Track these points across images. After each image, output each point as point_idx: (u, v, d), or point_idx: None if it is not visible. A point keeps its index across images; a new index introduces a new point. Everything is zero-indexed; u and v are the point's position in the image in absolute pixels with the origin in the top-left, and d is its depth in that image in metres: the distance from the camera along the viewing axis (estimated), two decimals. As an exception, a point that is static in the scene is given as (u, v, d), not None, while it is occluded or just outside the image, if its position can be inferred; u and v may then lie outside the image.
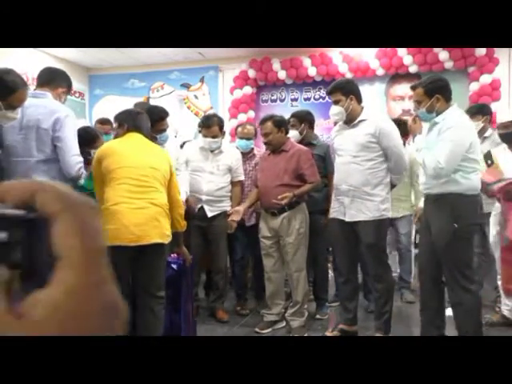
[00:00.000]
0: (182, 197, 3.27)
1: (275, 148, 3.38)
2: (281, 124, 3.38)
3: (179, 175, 3.41)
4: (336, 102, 3.07)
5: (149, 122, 2.80)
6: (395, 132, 3.07)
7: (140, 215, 2.39)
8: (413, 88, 2.82)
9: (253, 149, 4.02)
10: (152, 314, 2.52)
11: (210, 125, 3.56)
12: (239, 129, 4.04)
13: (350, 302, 3.26)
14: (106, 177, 2.50)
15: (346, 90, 3.07)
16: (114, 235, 2.34)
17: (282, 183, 3.27)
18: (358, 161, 3.02)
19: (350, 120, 3.10)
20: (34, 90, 2.71)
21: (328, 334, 3.32)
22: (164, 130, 3.20)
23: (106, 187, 2.49)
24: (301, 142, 3.75)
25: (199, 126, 3.65)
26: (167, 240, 2.50)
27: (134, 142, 2.63)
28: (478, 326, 2.72)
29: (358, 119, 3.07)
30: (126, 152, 2.55)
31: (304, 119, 3.87)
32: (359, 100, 3.11)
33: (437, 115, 2.74)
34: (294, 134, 3.77)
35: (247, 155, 3.95)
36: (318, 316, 3.83)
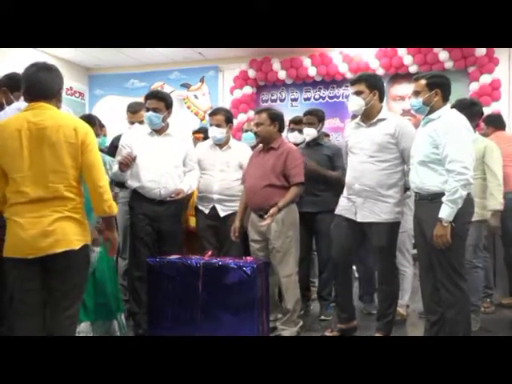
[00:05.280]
0: (184, 188, 3.28)
1: (263, 141, 3.28)
2: (276, 118, 3.26)
3: (191, 171, 3.41)
4: (358, 94, 2.97)
5: (57, 79, 2.23)
6: (414, 134, 2.96)
7: (39, 226, 2.07)
8: (416, 79, 2.80)
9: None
10: (59, 328, 2.17)
11: (215, 113, 3.54)
12: (246, 124, 4.02)
13: (346, 300, 3.22)
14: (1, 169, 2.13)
15: (371, 82, 2.97)
16: (12, 248, 2.10)
17: (269, 183, 3.14)
18: (373, 161, 2.94)
19: (368, 117, 3.00)
20: None
21: (327, 334, 3.30)
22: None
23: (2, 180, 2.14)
24: (310, 142, 3.73)
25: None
26: (77, 246, 2.14)
27: (35, 120, 2.10)
28: (468, 326, 2.73)
29: (377, 118, 2.98)
30: (23, 148, 2.07)
31: (322, 118, 3.79)
32: (381, 98, 3.02)
33: (430, 111, 2.73)
34: (311, 132, 3.72)
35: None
36: (322, 317, 3.78)
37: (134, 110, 3.86)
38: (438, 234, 2.58)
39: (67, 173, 2.12)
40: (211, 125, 3.53)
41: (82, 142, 2.14)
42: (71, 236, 2.13)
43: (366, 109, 2.96)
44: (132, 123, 3.78)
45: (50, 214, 2.09)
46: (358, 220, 3.00)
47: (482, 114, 3.60)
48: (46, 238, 2.07)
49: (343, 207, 3.11)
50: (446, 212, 2.56)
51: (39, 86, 2.15)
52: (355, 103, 2.98)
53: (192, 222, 3.69)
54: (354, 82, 3.02)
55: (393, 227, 2.98)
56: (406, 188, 3.08)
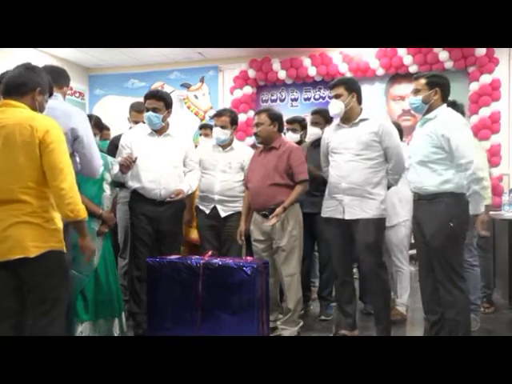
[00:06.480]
0: (184, 188, 3.27)
1: (264, 141, 3.30)
2: (275, 118, 3.30)
3: (191, 171, 3.41)
4: (337, 97, 3.06)
5: (33, 78, 2.14)
6: (396, 133, 3.09)
7: None
8: (416, 78, 2.85)
9: None
10: (41, 334, 2.08)
11: (221, 114, 3.54)
12: None
13: (349, 305, 3.21)
14: None
15: (349, 85, 3.07)
16: None
17: (273, 183, 3.17)
18: (359, 159, 3.00)
19: (348, 119, 3.08)
20: None
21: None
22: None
23: None
24: (314, 141, 3.73)
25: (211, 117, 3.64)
26: (33, 253, 2.03)
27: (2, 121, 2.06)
28: (468, 326, 2.74)
29: (359, 118, 3.06)
30: None
31: (329, 118, 3.79)
32: (359, 100, 3.11)
33: (428, 110, 2.76)
34: (315, 132, 3.73)
35: None
36: (322, 317, 3.79)
37: (139, 109, 3.83)
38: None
39: (23, 173, 2.03)
40: (216, 125, 3.52)
41: (40, 140, 2.02)
42: (27, 243, 2.02)
43: (346, 111, 3.06)
44: (136, 122, 3.77)
45: (8, 218, 2.02)
46: (347, 218, 3.04)
47: (463, 115, 3.64)
48: (1, 243, 2.02)
49: (329, 208, 3.14)
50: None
51: (8, 84, 2.12)
52: (336, 106, 3.07)
53: (193, 233, 3.67)
54: (332, 86, 3.14)
55: (380, 223, 3.04)
56: (388, 186, 3.15)
